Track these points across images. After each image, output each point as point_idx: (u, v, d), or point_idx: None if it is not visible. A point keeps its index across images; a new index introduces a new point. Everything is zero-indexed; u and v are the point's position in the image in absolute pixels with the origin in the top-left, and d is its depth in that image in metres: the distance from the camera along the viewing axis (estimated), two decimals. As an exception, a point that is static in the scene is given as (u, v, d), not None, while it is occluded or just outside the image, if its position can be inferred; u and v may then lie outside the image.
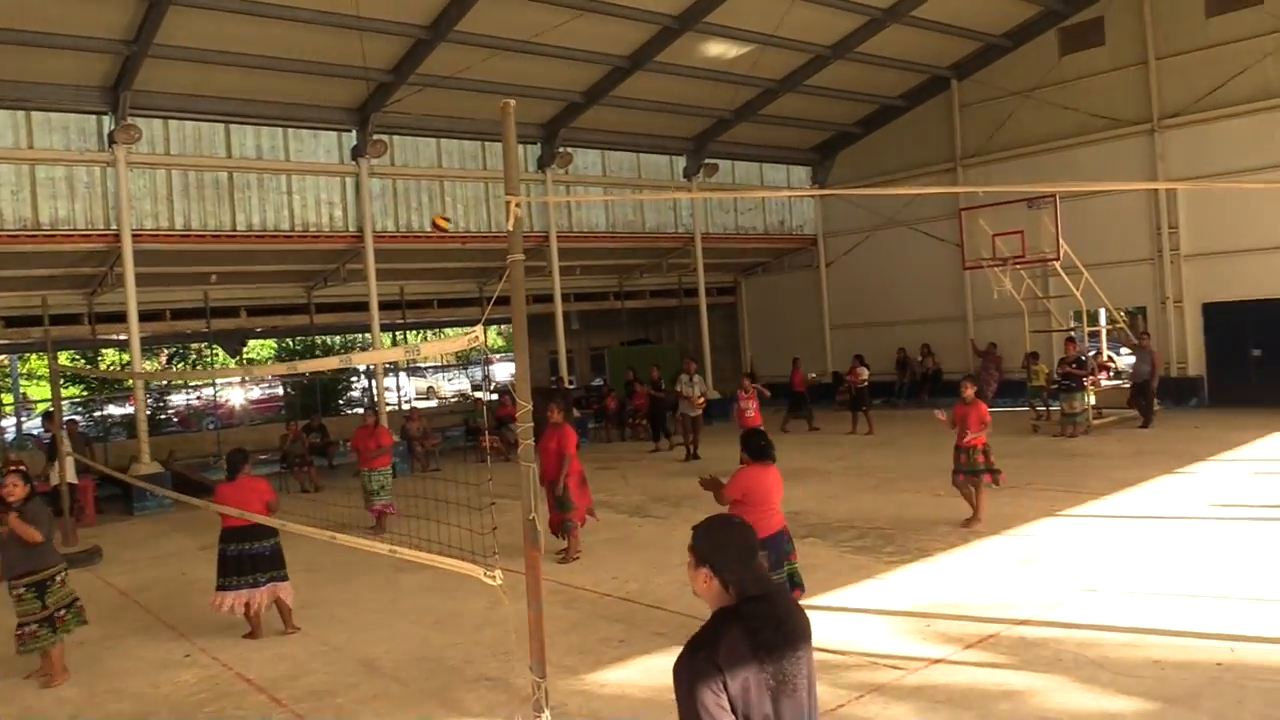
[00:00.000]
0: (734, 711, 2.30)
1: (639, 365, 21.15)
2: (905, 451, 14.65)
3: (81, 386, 26.70)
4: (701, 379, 15.94)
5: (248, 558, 7.15)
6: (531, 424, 4.51)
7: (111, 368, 25.69)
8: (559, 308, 18.77)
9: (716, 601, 2.47)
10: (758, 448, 5.87)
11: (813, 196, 23.10)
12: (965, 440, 9.19)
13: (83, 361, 22.22)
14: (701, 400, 15.41)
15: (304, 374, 23.14)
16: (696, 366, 16.06)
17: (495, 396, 22.00)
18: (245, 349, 29.38)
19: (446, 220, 9.26)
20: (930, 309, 20.99)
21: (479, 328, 4.54)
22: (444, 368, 38.34)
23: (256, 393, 29.62)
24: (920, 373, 21.27)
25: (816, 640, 2.57)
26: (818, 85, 19.09)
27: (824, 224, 23.31)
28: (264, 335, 27.64)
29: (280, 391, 28.36)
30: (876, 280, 21.87)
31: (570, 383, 20.49)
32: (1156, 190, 17.25)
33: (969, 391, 9.37)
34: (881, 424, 17.56)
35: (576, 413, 18.38)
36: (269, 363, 26.71)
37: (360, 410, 26.94)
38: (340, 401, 27.96)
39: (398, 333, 24.30)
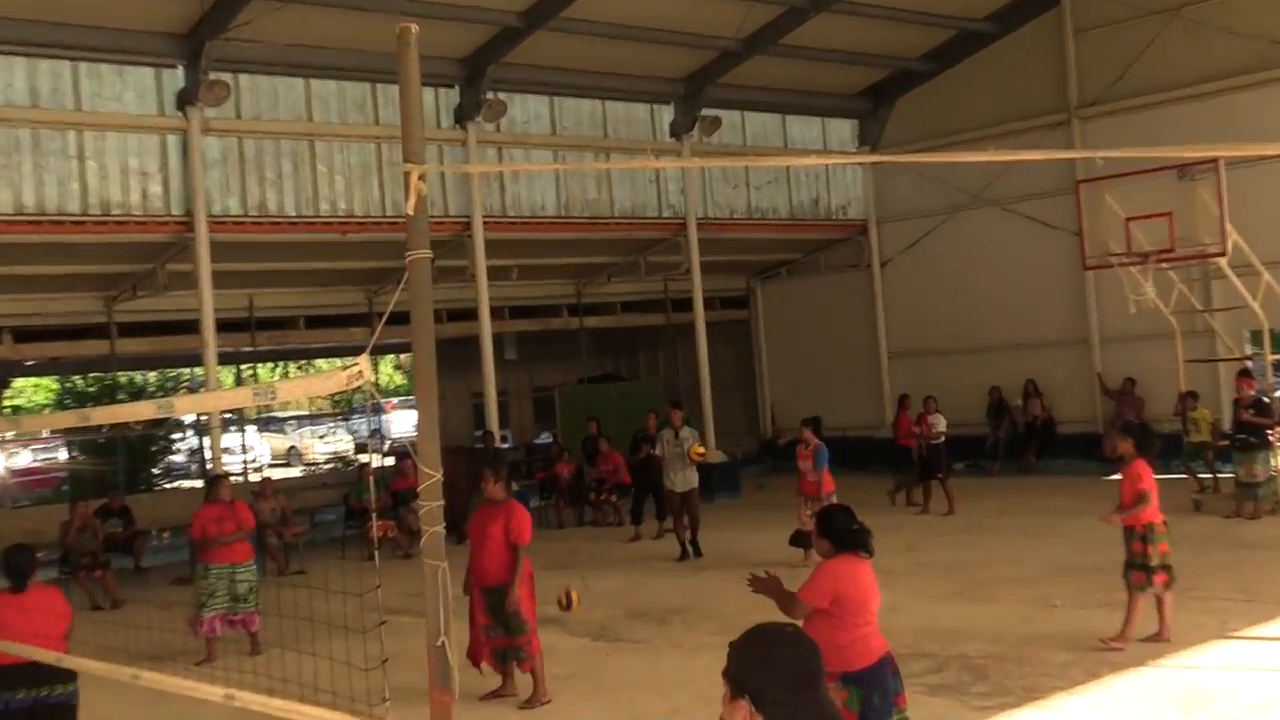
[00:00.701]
0: None
1: (605, 413, 21.09)
2: (1002, 539, 14.62)
3: None
4: (694, 431, 15.90)
5: (43, 709, 7.00)
6: (441, 502, 4.46)
7: None
8: (487, 328, 18.72)
9: None
10: (848, 531, 5.81)
11: (860, 164, 23.27)
12: (1124, 519, 9.34)
13: None
14: (701, 452, 15.35)
15: (99, 429, 22.89)
16: (685, 414, 16.03)
17: (390, 461, 21.82)
18: (8, 392, 29.04)
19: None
20: (1036, 328, 21.14)
21: (365, 358, 4.50)
22: (314, 418, 38.09)
23: (25, 458, 29.26)
24: (1024, 422, 21.34)
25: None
26: (867, 1, 19.33)
27: (877, 204, 23.46)
28: (39, 370, 27.30)
29: (62, 456, 28.02)
30: (955, 287, 22.04)
31: (503, 440, 20.37)
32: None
33: (1123, 447, 9.51)
34: (966, 497, 17.56)
35: (514, 484, 18.29)
36: (46, 412, 26.43)
37: (186, 484, 26.46)
38: (154, 471, 27.67)
39: (244, 366, 24.13)
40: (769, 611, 6.05)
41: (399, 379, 46.01)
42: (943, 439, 17.40)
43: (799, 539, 13.24)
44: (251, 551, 11.63)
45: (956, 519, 16.51)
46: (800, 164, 23.15)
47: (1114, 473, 9.68)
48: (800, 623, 5.53)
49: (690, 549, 15.13)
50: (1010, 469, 21.10)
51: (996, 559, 13.38)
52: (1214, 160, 15.92)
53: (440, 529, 4.53)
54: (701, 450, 15.49)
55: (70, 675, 7.10)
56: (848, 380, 23.44)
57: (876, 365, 23.38)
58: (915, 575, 12.65)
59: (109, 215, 15.68)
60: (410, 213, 4.52)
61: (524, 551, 8.85)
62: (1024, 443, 21.24)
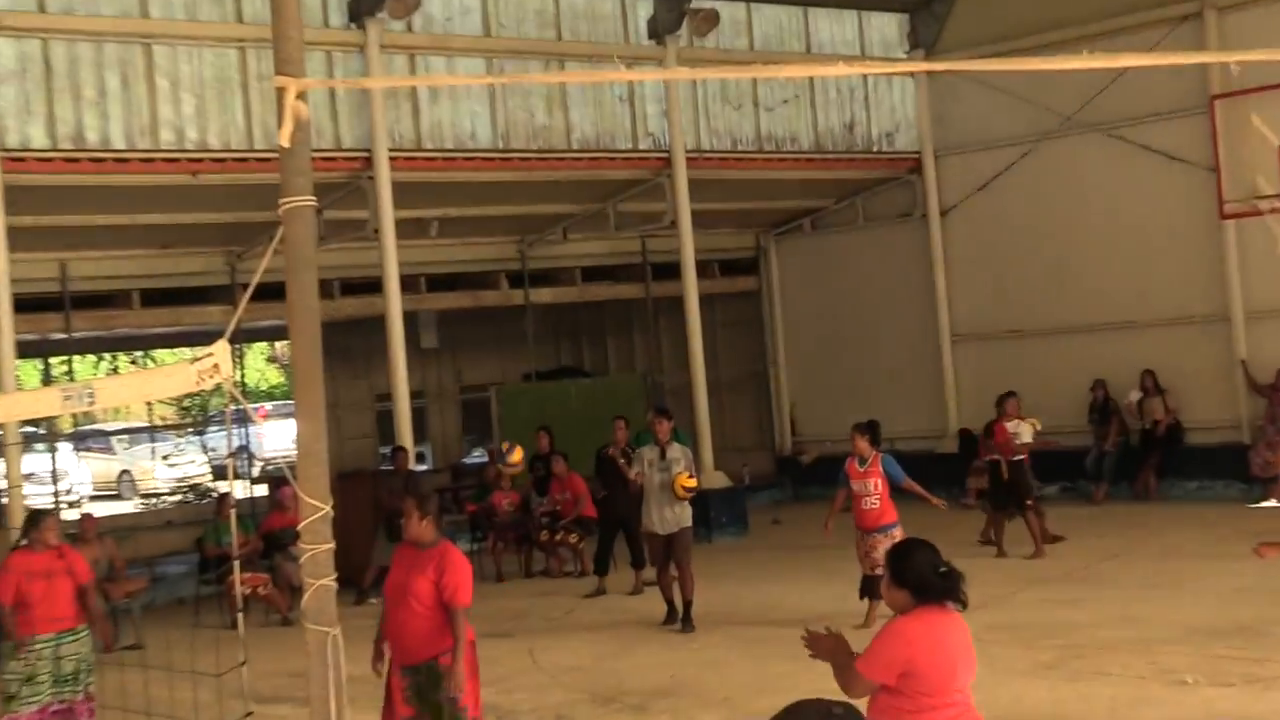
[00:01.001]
0: None
1: (562, 421, 21.07)
2: (1111, 591, 14.69)
3: None
4: (686, 450, 15.85)
5: None
6: (331, 545, 4.46)
7: None
8: (396, 304, 18.77)
9: None
10: (933, 576, 5.81)
11: (911, 73, 23.29)
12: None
13: None
14: (691, 485, 15.26)
15: None
16: (673, 423, 15.98)
17: (262, 490, 21.77)
18: None
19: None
20: (1155, 301, 21.23)
21: (222, 346, 4.48)
22: (155, 431, 37.90)
23: None
24: (1141, 429, 21.43)
25: None
26: None
27: (935, 131, 23.47)
28: None
29: None
30: (1042, 243, 22.13)
31: (419, 459, 20.33)
32: None
33: None
34: (1063, 532, 17.65)
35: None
36: None
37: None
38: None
39: (55, 360, 24.02)
40: (790, 693, 6.05)
41: (274, 376, 45.91)
42: (1027, 454, 17.44)
43: (870, 587, 13.32)
44: (82, 615, 11.27)
45: (1047, 564, 16.56)
46: (829, 74, 23.14)
47: (1267, 497, 9.73)
48: (861, 702, 5.59)
49: (680, 617, 14.98)
50: (1121, 493, 21.22)
51: (1103, 618, 13.38)
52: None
53: (331, 582, 4.50)
54: (692, 483, 15.16)
55: None
56: (895, 373, 23.50)
57: (936, 352, 23.45)
58: (992, 642, 12.61)
59: None
60: (285, 144, 4.48)
61: (463, 615, 8.81)
62: (1140, 457, 21.33)
